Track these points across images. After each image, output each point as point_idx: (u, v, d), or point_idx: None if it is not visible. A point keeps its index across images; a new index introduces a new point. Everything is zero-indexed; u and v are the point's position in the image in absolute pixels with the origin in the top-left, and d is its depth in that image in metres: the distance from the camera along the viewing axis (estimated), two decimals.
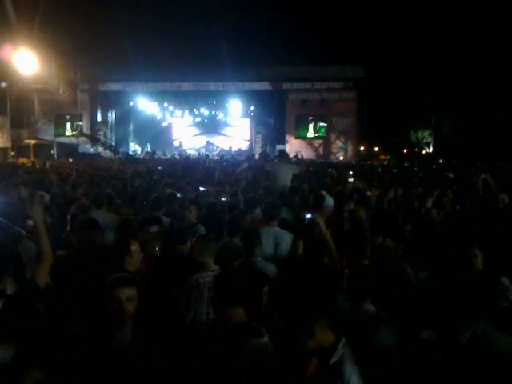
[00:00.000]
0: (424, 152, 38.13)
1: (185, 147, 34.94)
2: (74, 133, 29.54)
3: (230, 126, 35.53)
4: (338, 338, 2.12)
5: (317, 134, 28.82)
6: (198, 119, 35.62)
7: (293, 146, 26.48)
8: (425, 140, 38.81)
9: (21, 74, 23.53)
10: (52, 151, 25.13)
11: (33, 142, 26.40)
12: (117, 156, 25.42)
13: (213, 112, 34.64)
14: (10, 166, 14.83)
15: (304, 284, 2.20)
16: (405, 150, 37.40)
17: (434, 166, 19.77)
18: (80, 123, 29.48)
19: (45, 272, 3.14)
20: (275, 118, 30.41)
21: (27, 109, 25.34)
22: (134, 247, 3.67)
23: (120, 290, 2.69)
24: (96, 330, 2.69)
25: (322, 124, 28.58)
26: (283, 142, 28.49)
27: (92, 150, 29.08)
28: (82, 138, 29.34)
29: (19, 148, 25.23)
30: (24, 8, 22.10)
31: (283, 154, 10.42)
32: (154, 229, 4.57)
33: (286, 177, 8.13)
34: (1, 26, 21.73)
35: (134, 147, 32.76)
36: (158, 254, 4.18)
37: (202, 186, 7.67)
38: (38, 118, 26.90)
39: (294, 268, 3.79)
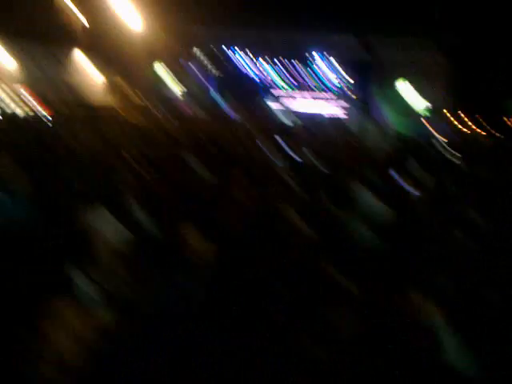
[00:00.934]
0: None
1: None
2: None
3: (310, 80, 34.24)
4: None
5: (404, 98, 26.29)
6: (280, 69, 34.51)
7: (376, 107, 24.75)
8: None
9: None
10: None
11: None
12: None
13: (294, 63, 33.53)
14: None
15: None
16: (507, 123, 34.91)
17: None
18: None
19: None
20: (359, 75, 28.15)
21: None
22: None
23: None
24: None
25: (409, 88, 26.09)
26: (366, 100, 26.59)
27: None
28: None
29: None
30: None
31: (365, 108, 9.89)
32: None
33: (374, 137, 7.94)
34: None
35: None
36: None
37: None
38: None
39: None
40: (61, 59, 21.71)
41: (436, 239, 3.70)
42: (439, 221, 3.96)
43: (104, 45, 24.16)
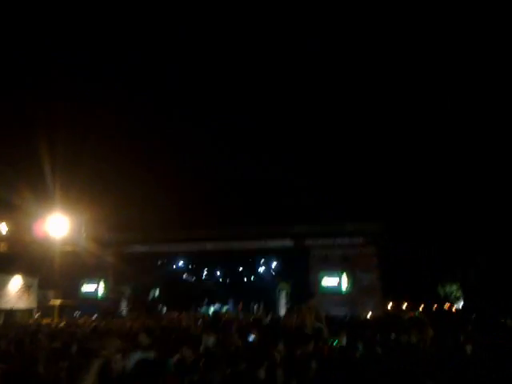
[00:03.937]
0: (454, 307, 36.80)
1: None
2: (99, 293, 29.73)
3: (253, 284, 35.44)
4: None
5: (341, 290, 28.28)
6: (222, 279, 35.91)
7: (318, 303, 25.85)
8: (454, 294, 37.67)
9: (51, 237, 24.48)
10: (77, 311, 25.08)
11: (58, 302, 26.52)
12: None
13: (236, 272, 34.98)
14: (35, 325, 14.81)
15: None
16: (434, 306, 36.14)
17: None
18: (105, 284, 29.80)
19: None
20: (298, 275, 30.24)
21: (55, 270, 25.85)
22: None
23: None
24: None
25: (346, 279, 28.22)
26: (308, 297, 28.03)
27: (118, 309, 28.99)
28: (107, 298, 29.48)
29: (44, 308, 25.31)
30: (61, 178, 23.78)
31: None
32: None
33: None
34: (39, 195, 23.17)
35: (161, 307, 32.12)
36: None
37: None
38: (64, 278, 27.32)
39: None
40: None
41: None
42: None
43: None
